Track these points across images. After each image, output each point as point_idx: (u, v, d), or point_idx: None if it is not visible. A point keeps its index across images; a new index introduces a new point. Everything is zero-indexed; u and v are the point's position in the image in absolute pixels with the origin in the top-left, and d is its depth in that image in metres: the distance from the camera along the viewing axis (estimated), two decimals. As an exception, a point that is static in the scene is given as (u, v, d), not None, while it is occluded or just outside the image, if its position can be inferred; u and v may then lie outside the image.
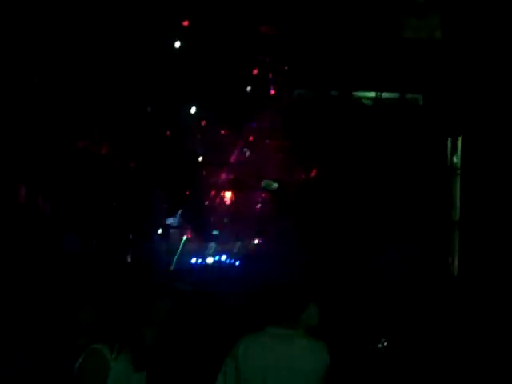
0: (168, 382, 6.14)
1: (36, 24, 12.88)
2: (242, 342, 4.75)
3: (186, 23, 14.46)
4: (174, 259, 14.83)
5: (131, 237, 15.40)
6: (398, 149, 12.91)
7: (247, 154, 15.80)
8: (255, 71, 14.38)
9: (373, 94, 13.78)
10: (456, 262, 12.55)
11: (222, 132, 15.74)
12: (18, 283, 6.94)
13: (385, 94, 13.70)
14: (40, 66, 13.64)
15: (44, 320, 6.09)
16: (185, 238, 15.78)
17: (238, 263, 15.08)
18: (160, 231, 16.00)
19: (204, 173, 16.37)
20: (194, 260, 15.34)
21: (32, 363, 5.56)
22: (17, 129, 13.39)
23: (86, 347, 4.25)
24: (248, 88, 14.90)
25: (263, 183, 15.71)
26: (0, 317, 5.73)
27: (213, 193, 16.43)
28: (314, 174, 14.25)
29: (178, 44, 14.76)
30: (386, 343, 7.68)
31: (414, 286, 9.01)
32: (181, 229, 15.98)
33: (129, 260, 14.51)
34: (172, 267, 13.83)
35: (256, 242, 15.71)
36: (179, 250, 15.29)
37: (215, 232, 15.99)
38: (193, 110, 15.67)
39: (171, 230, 16.07)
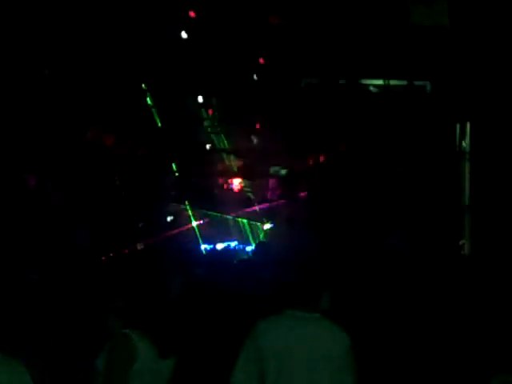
0: (195, 368, 6.29)
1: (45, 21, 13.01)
2: (261, 323, 4.89)
3: (192, 14, 14.55)
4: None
5: (141, 225, 15.56)
6: (407, 135, 12.99)
7: (255, 141, 15.92)
8: (262, 60, 14.45)
9: (380, 82, 13.85)
10: (467, 246, 12.66)
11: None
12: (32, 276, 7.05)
13: (392, 82, 13.76)
14: (50, 60, 13.76)
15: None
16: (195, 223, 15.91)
17: (249, 249, 15.19)
18: (169, 218, 16.14)
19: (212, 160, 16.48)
20: (203, 246, 15.47)
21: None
22: (28, 119, 13.52)
23: (116, 332, 4.38)
24: (255, 76, 14.99)
25: (271, 170, 15.84)
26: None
27: (221, 180, 16.55)
28: (322, 160, 14.34)
29: (184, 35, 14.86)
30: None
31: (426, 268, 9.10)
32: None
33: (140, 247, 14.65)
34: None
35: (266, 227, 15.85)
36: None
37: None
38: (200, 99, 15.80)
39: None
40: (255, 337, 4.86)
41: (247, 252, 15.07)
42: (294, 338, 4.76)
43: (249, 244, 15.62)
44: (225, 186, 16.56)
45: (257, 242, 14.93)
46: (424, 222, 12.29)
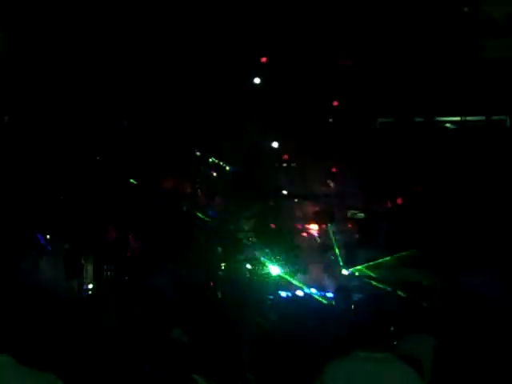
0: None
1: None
2: (329, 366, 4.71)
3: (264, 59, 14.58)
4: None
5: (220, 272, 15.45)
6: (487, 172, 12.60)
7: (331, 185, 15.70)
8: (336, 102, 14.33)
9: (457, 118, 13.54)
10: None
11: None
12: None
13: (470, 118, 13.45)
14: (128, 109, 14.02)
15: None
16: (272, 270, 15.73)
17: (329, 295, 14.88)
18: (248, 265, 15.99)
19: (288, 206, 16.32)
20: (283, 293, 15.19)
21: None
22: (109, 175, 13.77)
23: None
24: (329, 119, 14.87)
25: (349, 213, 15.58)
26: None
27: (299, 226, 16.34)
28: (400, 201, 14.03)
29: (257, 80, 14.88)
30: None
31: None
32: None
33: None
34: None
35: (345, 273, 15.53)
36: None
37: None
38: (275, 144, 15.73)
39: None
40: (323, 381, 4.68)
41: (327, 298, 14.76)
42: (363, 382, 4.58)
43: (328, 290, 15.31)
44: (302, 232, 16.34)
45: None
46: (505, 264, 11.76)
